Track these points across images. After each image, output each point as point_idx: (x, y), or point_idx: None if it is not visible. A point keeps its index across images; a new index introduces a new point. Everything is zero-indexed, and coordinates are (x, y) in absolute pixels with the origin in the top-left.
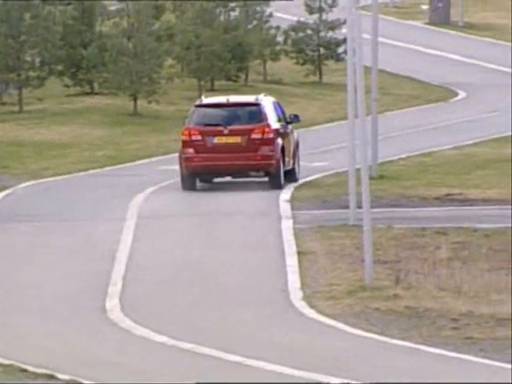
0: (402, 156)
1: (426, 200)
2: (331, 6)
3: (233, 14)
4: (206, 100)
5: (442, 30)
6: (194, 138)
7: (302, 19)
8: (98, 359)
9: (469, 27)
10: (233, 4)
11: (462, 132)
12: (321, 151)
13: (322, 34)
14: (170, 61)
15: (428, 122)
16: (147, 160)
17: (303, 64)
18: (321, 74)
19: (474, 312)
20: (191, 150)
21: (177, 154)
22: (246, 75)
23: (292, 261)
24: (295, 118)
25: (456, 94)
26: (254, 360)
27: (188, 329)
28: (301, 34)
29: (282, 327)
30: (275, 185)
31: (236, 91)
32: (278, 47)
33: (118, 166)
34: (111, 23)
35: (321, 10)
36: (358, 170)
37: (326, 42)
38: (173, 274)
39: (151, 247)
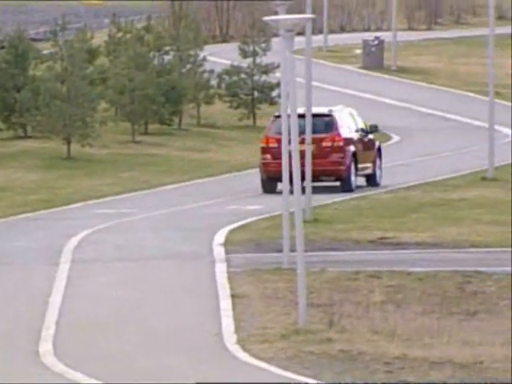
0: (337, 199)
1: (359, 243)
2: (265, 50)
3: (166, 58)
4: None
5: (376, 73)
6: (271, 145)
7: (235, 63)
8: None
9: (402, 71)
10: (167, 48)
11: (396, 175)
12: (255, 194)
13: (256, 77)
14: (103, 104)
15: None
16: (81, 204)
17: (237, 108)
18: (255, 118)
19: (407, 355)
20: (269, 156)
21: (111, 198)
22: (180, 119)
23: (226, 304)
24: (374, 128)
25: (390, 138)
26: None
27: (121, 373)
28: (235, 78)
29: (216, 371)
30: (346, 188)
31: (170, 135)
32: (211, 91)
33: (52, 210)
34: (45, 67)
35: (255, 53)
36: (292, 213)
37: (259, 86)
38: (106, 318)
39: (85, 291)
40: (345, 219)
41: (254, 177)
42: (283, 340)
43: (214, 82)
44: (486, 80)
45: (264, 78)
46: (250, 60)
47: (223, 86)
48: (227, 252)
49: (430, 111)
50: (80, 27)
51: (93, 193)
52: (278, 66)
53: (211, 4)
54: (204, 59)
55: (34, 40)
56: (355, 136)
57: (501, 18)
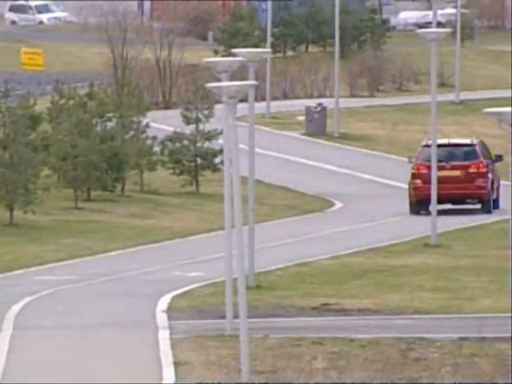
0: (279, 266)
1: (302, 310)
2: (208, 117)
3: (109, 125)
4: (430, 142)
5: (318, 140)
6: (421, 171)
7: (178, 129)
8: None
9: (344, 138)
10: (109, 114)
11: (339, 242)
12: (198, 261)
13: (199, 144)
14: (46, 171)
15: (305, 231)
16: (23, 270)
17: (180, 174)
18: (197, 185)
19: None
20: (419, 181)
21: None
22: (123, 185)
23: (168, 372)
24: (499, 158)
25: (332, 204)
26: None
27: None
28: (177, 145)
29: None
30: (486, 210)
31: (112, 201)
32: (154, 157)
33: None
34: None
35: (197, 120)
36: (235, 279)
37: (202, 153)
38: None
39: (27, 359)
40: (288, 285)
41: (197, 243)
42: None
43: (156, 149)
44: None
45: (207, 144)
46: (192, 126)
47: (166, 152)
48: (170, 319)
49: (372, 177)
50: (23, 94)
51: (35, 259)
52: (221, 133)
53: (154, 71)
54: (147, 126)
55: None
56: (488, 164)
57: (443, 85)
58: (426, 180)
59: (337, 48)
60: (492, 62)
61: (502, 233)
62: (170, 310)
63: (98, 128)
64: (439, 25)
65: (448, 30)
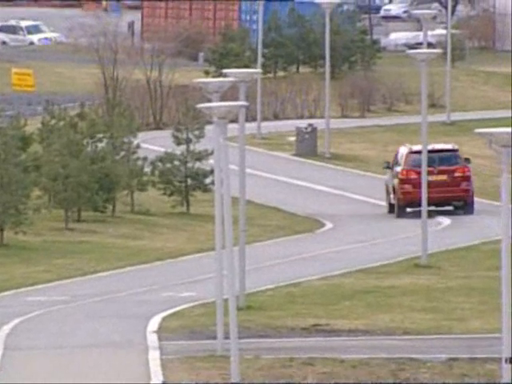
0: (270, 286)
1: (293, 330)
2: (198, 137)
3: (100, 145)
4: (415, 148)
5: (309, 161)
6: (410, 176)
7: (169, 150)
8: None
9: (335, 158)
10: (100, 135)
11: (329, 262)
12: (189, 281)
13: (190, 164)
14: (37, 191)
15: (295, 252)
16: (14, 291)
17: (170, 195)
18: (188, 205)
19: None
20: (408, 186)
21: None
22: (114, 206)
23: None
24: (467, 161)
25: (323, 225)
26: None
27: None
28: (168, 165)
29: None
30: (469, 212)
31: (103, 222)
32: (145, 178)
33: None
34: None
35: (188, 140)
36: (226, 300)
37: (193, 173)
38: None
39: (17, 378)
40: (278, 306)
41: (188, 264)
42: None
43: (147, 169)
44: None
45: (197, 165)
46: (183, 147)
47: (157, 173)
48: (161, 339)
49: (362, 198)
50: (13, 114)
51: (26, 280)
52: (212, 153)
53: (145, 91)
54: (137, 146)
55: None
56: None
57: (433, 105)
58: (416, 185)
59: (327, 68)
60: (482, 83)
61: (492, 254)
62: (161, 331)
63: (89, 148)
64: (430, 45)
65: (438, 50)
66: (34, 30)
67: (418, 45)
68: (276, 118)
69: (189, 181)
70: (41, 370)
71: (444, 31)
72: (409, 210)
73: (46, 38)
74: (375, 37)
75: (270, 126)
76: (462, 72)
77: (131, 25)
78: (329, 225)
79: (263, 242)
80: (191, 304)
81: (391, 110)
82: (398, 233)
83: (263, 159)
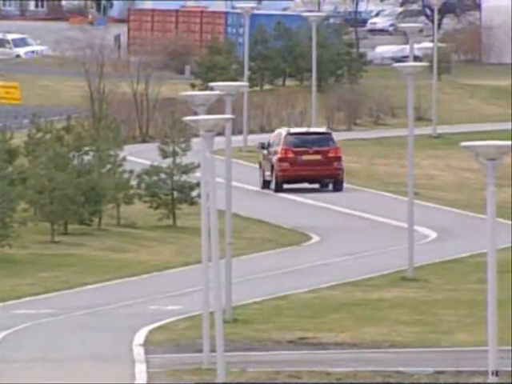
0: (257, 299)
1: (279, 343)
2: (185, 150)
3: (86, 158)
4: (292, 130)
5: None
6: (288, 155)
7: (155, 163)
8: None
9: None
10: (86, 148)
11: (316, 275)
12: (175, 295)
13: (176, 177)
14: (22, 204)
15: (282, 265)
16: (0, 304)
17: (157, 208)
18: (174, 218)
19: None
20: (286, 164)
21: None
22: (100, 219)
23: None
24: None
25: (309, 238)
26: None
27: None
28: (154, 178)
29: None
30: (338, 188)
31: (89, 235)
32: (131, 191)
33: None
34: None
35: (174, 153)
36: (212, 313)
37: (179, 186)
38: None
39: None
40: (265, 319)
41: (174, 277)
42: None
43: (133, 182)
44: (405, 180)
45: (184, 177)
46: (169, 160)
47: (143, 186)
48: (147, 352)
49: (349, 211)
50: None
51: (12, 293)
52: (198, 166)
53: (131, 104)
54: (124, 159)
55: None
56: None
57: (420, 118)
58: (292, 163)
59: (314, 81)
60: (469, 96)
61: (478, 266)
62: (147, 344)
63: (75, 161)
64: (416, 58)
65: (425, 63)
66: (21, 43)
67: (405, 58)
68: (262, 130)
69: (175, 194)
70: (27, 382)
71: (430, 44)
72: (285, 186)
73: (32, 51)
74: (362, 50)
75: (256, 139)
76: (448, 85)
77: (117, 38)
78: (315, 237)
79: (249, 255)
80: (178, 317)
81: (378, 123)
82: (384, 246)
83: (249, 172)
